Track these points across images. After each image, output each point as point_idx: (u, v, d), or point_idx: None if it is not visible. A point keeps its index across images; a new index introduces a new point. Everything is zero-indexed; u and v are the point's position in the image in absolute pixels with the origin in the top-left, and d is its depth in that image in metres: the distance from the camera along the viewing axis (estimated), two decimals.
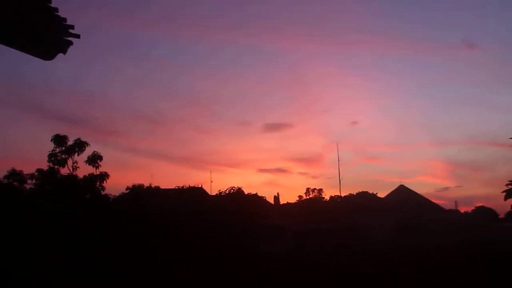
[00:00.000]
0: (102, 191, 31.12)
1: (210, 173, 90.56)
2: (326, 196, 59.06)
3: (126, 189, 37.27)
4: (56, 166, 30.76)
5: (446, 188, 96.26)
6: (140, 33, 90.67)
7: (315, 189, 59.63)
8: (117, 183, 61.52)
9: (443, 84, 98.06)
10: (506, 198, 5.56)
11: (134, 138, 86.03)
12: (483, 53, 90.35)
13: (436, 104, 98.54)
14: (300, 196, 60.15)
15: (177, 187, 40.62)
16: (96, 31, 71.27)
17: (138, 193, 36.15)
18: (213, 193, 43.95)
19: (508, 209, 6.09)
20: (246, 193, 38.40)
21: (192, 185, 42.44)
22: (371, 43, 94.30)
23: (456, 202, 68.74)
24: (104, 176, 30.79)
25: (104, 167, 31.31)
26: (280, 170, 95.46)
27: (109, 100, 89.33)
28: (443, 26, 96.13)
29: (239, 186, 37.29)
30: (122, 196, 35.79)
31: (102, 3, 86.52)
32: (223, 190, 37.41)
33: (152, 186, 40.48)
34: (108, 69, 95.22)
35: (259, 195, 44.03)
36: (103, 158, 31.36)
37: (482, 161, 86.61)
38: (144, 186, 38.51)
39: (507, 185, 5.58)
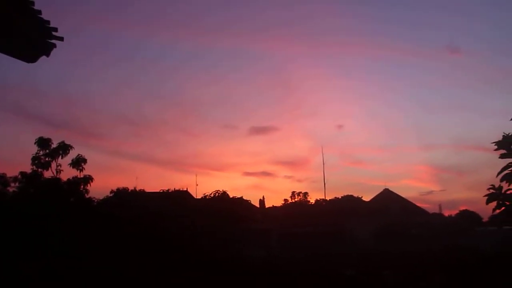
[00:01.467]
0: (86, 194, 30.96)
1: (196, 176, 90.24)
2: (312, 199, 59.25)
3: (111, 192, 37.12)
4: (39, 169, 30.55)
5: (430, 192, 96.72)
6: (124, 35, 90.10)
7: (300, 192, 59.80)
8: (101, 186, 61.05)
9: (428, 88, 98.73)
10: (487, 202, 5.62)
11: (118, 141, 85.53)
12: (469, 57, 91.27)
13: (422, 108, 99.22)
14: (285, 200, 60.25)
15: (161, 191, 40.50)
16: (79, 33, 70.58)
17: (122, 196, 35.95)
18: (199, 197, 43.93)
19: (491, 213, 6.17)
20: (231, 196, 38.42)
21: (177, 188, 42.37)
22: (357, 47, 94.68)
23: (440, 206, 69.08)
24: (88, 179, 30.62)
25: (88, 170, 31.18)
26: (265, 174, 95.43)
27: (93, 102, 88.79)
28: (428, 30, 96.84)
29: (224, 190, 37.41)
30: (107, 200, 35.57)
31: (84, 3, 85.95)
32: (208, 194, 37.40)
33: (137, 189, 40.30)
34: (92, 71, 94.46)
35: (244, 199, 44.07)
36: (87, 161, 31.23)
37: (467, 165, 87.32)
38: (128, 189, 38.32)
39: (488, 189, 5.64)
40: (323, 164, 54.69)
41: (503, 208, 5.72)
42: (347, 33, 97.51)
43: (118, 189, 37.24)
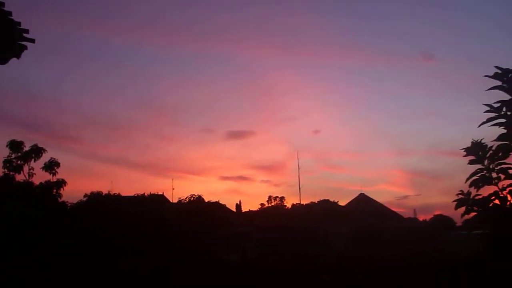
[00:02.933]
0: (59, 199, 30.51)
1: (172, 180, 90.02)
2: (288, 204, 59.47)
3: (84, 196, 36.62)
4: (11, 173, 30.01)
5: (405, 197, 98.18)
6: (104, 38, 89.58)
7: (277, 197, 60.11)
8: (75, 190, 60.32)
9: (403, 94, 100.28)
10: (456, 207, 5.70)
11: (93, 144, 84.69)
12: (442, 64, 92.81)
13: (397, 114, 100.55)
14: (262, 204, 60.49)
15: (136, 195, 40.17)
16: (49, 33, 69.77)
17: (96, 200, 35.52)
18: (175, 201, 43.67)
19: (460, 218, 6.24)
20: (207, 200, 38.31)
21: (153, 192, 42.07)
22: (333, 53, 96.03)
23: (415, 210, 69.84)
24: (61, 183, 30.19)
25: (62, 174, 30.75)
26: (242, 178, 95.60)
27: (67, 105, 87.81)
28: (403, 38, 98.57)
29: (200, 194, 37.28)
30: (80, 204, 35.11)
31: (52, 3, 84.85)
32: (183, 198, 37.23)
33: (111, 193, 39.85)
34: (68, 74, 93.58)
35: (221, 203, 43.99)
36: (61, 164, 30.80)
37: (441, 170, 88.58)
38: (102, 193, 37.87)
39: (457, 194, 5.72)
40: (298, 169, 55.00)
41: (472, 213, 5.78)
42: (324, 39, 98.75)
43: (92, 193, 36.78)
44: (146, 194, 40.57)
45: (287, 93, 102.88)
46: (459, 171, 5.41)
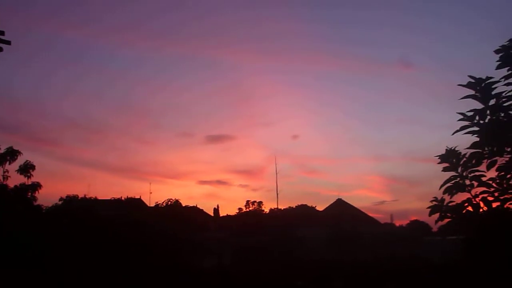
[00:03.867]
0: (34, 202, 30.10)
1: (150, 184, 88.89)
2: (266, 208, 59.44)
3: (60, 200, 36.17)
4: None
5: (382, 202, 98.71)
6: (87, 41, 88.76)
7: (255, 201, 59.97)
8: (51, 193, 59.55)
9: (381, 101, 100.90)
10: (430, 214, 5.77)
11: (71, 147, 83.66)
12: (419, 72, 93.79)
13: (374, 121, 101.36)
14: (240, 209, 60.27)
15: (113, 198, 39.88)
16: (28, 36, 68.97)
17: (71, 204, 35.11)
18: (152, 205, 43.39)
19: (434, 224, 6.33)
20: (185, 205, 38.11)
21: (130, 196, 41.81)
22: (312, 58, 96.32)
23: (392, 216, 70.54)
24: (36, 186, 29.84)
25: (38, 176, 30.41)
26: (220, 182, 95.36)
27: (43, 107, 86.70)
28: (380, 45, 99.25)
29: (177, 198, 37.05)
30: (55, 207, 34.66)
31: (31, 7, 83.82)
32: (160, 202, 37.02)
33: (87, 196, 39.45)
34: (44, 75, 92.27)
35: (198, 207, 43.78)
36: (37, 167, 30.46)
37: (417, 176, 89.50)
38: (78, 196, 37.46)
39: (431, 201, 5.79)
40: (276, 174, 55.00)
41: (446, 219, 5.86)
42: (304, 46, 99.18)
43: (67, 196, 36.34)
44: (123, 198, 40.33)
45: (267, 98, 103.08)
46: (435, 178, 5.47)
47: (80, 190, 68.13)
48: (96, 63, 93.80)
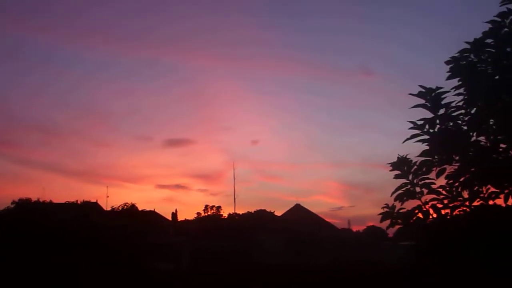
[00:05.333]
0: None
1: (107, 187, 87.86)
2: (225, 213, 59.31)
3: (12, 203, 35.20)
4: None
5: (340, 208, 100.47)
6: (38, 41, 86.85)
7: (213, 206, 59.76)
8: (4, 196, 57.73)
9: (339, 108, 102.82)
10: (381, 220, 5.85)
11: (29, 150, 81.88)
12: (378, 79, 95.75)
13: (333, 127, 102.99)
14: (198, 213, 59.97)
15: (67, 202, 39.10)
16: (2, 40, 67.09)
17: (24, 207, 34.19)
18: (109, 209, 42.74)
19: (385, 230, 6.42)
20: (142, 209, 37.72)
21: (86, 199, 41.12)
22: (274, 68, 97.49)
23: (349, 221, 71.48)
24: None
25: None
26: (179, 186, 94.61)
27: (4, 109, 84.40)
28: (341, 53, 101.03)
29: (133, 202, 36.74)
30: (7, 211, 33.73)
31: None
32: (116, 206, 36.54)
33: (41, 200, 38.50)
34: (5, 78, 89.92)
35: (156, 212, 43.31)
36: None
37: (374, 182, 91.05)
38: (31, 200, 36.53)
39: (383, 208, 5.87)
40: (234, 178, 55.07)
41: (396, 226, 5.96)
42: (266, 53, 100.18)
43: (20, 199, 35.37)
44: (79, 202, 39.66)
45: (228, 103, 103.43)
46: (391, 184, 5.57)
47: (35, 193, 66.36)
48: (59, 66, 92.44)
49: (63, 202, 40.26)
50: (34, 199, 37.14)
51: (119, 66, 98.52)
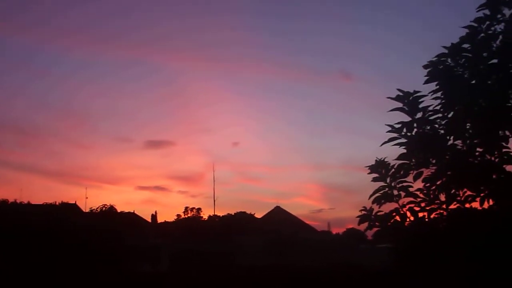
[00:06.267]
0: None
1: (86, 189, 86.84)
2: (205, 215, 59.22)
3: None
4: None
5: (320, 210, 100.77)
6: (15, 41, 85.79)
7: (193, 208, 59.72)
8: None
9: (321, 111, 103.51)
10: (359, 223, 5.87)
11: (3, 150, 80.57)
12: (359, 83, 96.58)
13: (314, 130, 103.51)
14: (178, 215, 59.81)
15: (45, 203, 38.68)
16: None
17: (0, 208, 33.74)
18: (88, 210, 42.42)
19: (363, 232, 6.46)
20: (121, 210, 37.47)
21: (65, 201, 40.76)
22: (255, 70, 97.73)
23: (329, 224, 71.67)
24: None
25: None
26: (159, 188, 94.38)
27: None
28: (322, 56, 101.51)
29: (112, 204, 36.47)
30: None
31: None
32: (95, 208, 36.26)
33: (19, 201, 38.06)
34: None
35: (136, 213, 43.04)
36: None
37: (354, 185, 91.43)
38: (8, 201, 36.07)
39: (361, 210, 5.89)
40: (214, 180, 55.18)
41: (374, 228, 5.98)
42: (247, 55, 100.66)
43: None
44: (57, 203, 39.26)
45: (208, 105, 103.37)
46: (371, 187, 5.62)
47: (13, 194, 65.58)
48: (38, 67, 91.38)
49: (41, 203, 39.86)
50: (11, 200, 36.76)
51: (98, 66, 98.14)
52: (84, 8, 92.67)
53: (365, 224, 5.99)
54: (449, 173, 5.52)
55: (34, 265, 22.85)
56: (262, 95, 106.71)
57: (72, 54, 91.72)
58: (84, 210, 44.69)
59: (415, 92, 5.65)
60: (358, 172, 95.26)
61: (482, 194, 5.40)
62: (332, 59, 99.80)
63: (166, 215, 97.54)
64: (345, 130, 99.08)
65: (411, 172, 5.72)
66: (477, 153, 5.51)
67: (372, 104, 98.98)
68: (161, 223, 59.83)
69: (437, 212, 5.64)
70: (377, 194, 5.83)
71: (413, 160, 5.69)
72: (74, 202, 44.56)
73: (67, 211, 37.94)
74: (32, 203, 40.42)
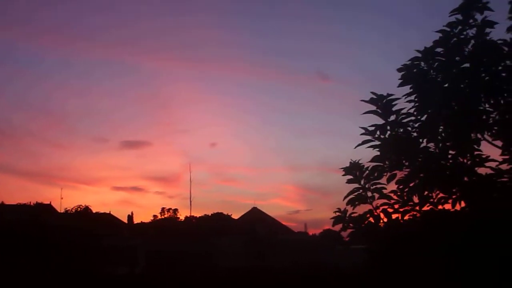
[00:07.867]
0: None
1: (61, 189, 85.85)
2: (182, 216, 58.89)
3: None
4: None
5: (297, 211, 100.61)
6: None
7: (170, 209, 59.31)
8: None
9: (298, 112, 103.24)
10: (334, 224, 5.90)
11: None
12: (337, 84, 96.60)
13: (291, 131, 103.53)
14: (155, 216, 59.35)
15: (18, 204, 38.14)
16: None
17: None
18: (63, 211, 41.88)
19: (338, 234, 6.51)
20: (97, 211, 37.12)
21: (40, 201, 40.22)
22: (232, 70, 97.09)
23: (305, 225, 72.07)
24: None
25: None
26: (135, 189, 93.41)
27: None
28: (299, 56, 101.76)
29: (87, 205, 36.11)
30: None
31: None
32: (70, 208, 35.87)
33: None
34: None
35: (112, 214, 42.65)
36: None
37: (331, 186, 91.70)
38: None
39: (335, 212, 5.92)
40: (190, 181, 54.81)
41: (348, 230, 6.02)
42: (224, 55, 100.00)
43: None
44: (32, 203, 38.74)
45: (185, 105, 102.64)
46: (347, 188, 5.67)
47: None
48: (14, 66, 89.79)
49: (15, 203, 39.31)
50: None
51: (75, 66, 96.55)
52: (60, 8, 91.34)
53: (340, 225, 6.04)
54: (422, 175, 5.58)
55: (7, 265, 22.48)
56: (240, 96, 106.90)
57: (48, 54, 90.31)
58: (59, 211, 44.15)
59: (389, 95, 5.71)
60: (335, 173, 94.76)
61: (454, 196, 5.47)
62: (310, 59, 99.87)
63: (143, 216, 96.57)
64: (322, 131, 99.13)
65: (385, 174, 5.77)
66: (449, 156, 5.59)
67: (349, 105, 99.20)
68: (137, 223, 59.27)
69: (410, 213, 5.70)
70: (351, 196, 5.87)
71: (387, 163, 5.74)
72: (49, 203, 43.97)
73: (42, 212, 37.44)
74: (6, 203, 39.85)
